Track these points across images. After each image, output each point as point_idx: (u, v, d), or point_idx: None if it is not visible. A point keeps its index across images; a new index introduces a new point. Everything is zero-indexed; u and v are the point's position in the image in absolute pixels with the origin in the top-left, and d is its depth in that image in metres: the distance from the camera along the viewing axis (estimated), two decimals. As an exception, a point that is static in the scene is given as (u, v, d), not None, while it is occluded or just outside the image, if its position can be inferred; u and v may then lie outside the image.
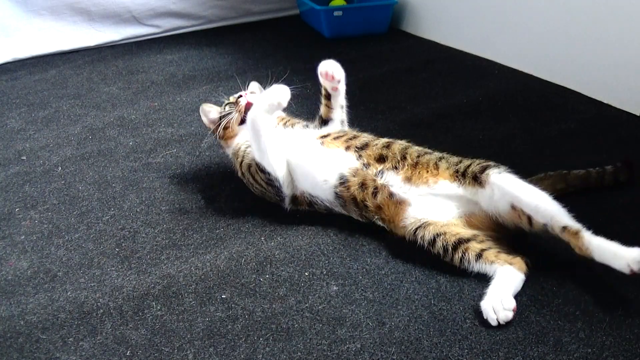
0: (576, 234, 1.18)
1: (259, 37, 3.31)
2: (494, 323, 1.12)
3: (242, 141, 1.58)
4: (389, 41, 3.07)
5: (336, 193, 1.43)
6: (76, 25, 3.18)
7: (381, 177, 1.38)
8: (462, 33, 2.84)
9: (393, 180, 1.38)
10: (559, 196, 1.46)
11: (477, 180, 1.29)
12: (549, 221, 1.20)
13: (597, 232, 1.38)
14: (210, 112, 1.68)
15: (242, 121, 1.58)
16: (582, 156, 1.74)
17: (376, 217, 1.40)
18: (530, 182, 1.41)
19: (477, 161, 1.35)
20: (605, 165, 1.55)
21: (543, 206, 1.21)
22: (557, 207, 1.21)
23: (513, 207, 1.25)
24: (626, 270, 1.10)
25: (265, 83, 1.67)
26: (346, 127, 1.63)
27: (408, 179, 1.37)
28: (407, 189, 1.36)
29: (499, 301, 1.12)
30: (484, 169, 1.30)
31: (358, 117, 2.14)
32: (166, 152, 1.94)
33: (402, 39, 3.15)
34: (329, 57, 1.53)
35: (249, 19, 3.59)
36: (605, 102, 2.10)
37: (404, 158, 1.40)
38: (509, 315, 1.11)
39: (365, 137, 1.51)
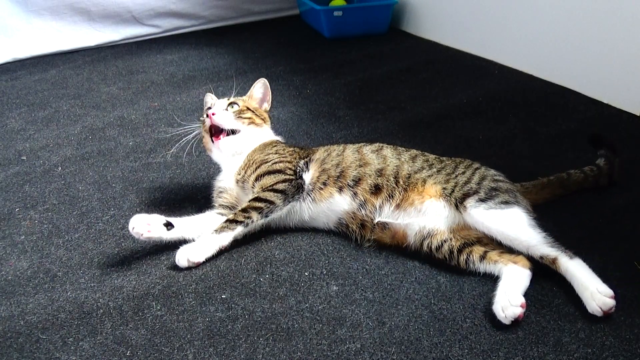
0: (553, 262, 1.20)
1: (259, 37, 3.31)
2: (506, 322, 1.11)
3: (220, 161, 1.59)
4: (389, 41, 3.07)
5: (336, 229, 1.44)
6: (76, 25, 3.18)
7: (379, 215, 1.37)
8: (462, 33, 2.84)
9: (386, 213, 1.36)
10: (558, 199, 1.49)
11: (458, 208, 1.31)
12: (525, 251, 1.23)
13: (596, 233, 1.39)
14: (206, 104, 1.68)
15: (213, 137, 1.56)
16: (582, 156, 1.74)
17: (375, 245, 1.40)
18: (530, 193, 1.43)
19: (462, 181, 1.34)
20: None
21: (518, 240, 1.23)
22: (534, 237, 1.22)
23: (493, 236, 1.28)
24: (596, 313, 1.11)
25: (243, 88, 1.67)
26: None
27: (398, 206, 1.36)
28: (398, 216, 1.35)
29: (507, 299, 1.12)
30: (464, 197, 1.30)
31: (358, 117, 2.15)
32: (166, 152, 1.94)
33: (402, 39, 3.15)
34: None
35: (249, 19, 3.60)
36: (605, 102, 2.10)
37: (397, 183, 1.37)
38: (517, 311, 1.11)
39: (349, 159, 1.44)
